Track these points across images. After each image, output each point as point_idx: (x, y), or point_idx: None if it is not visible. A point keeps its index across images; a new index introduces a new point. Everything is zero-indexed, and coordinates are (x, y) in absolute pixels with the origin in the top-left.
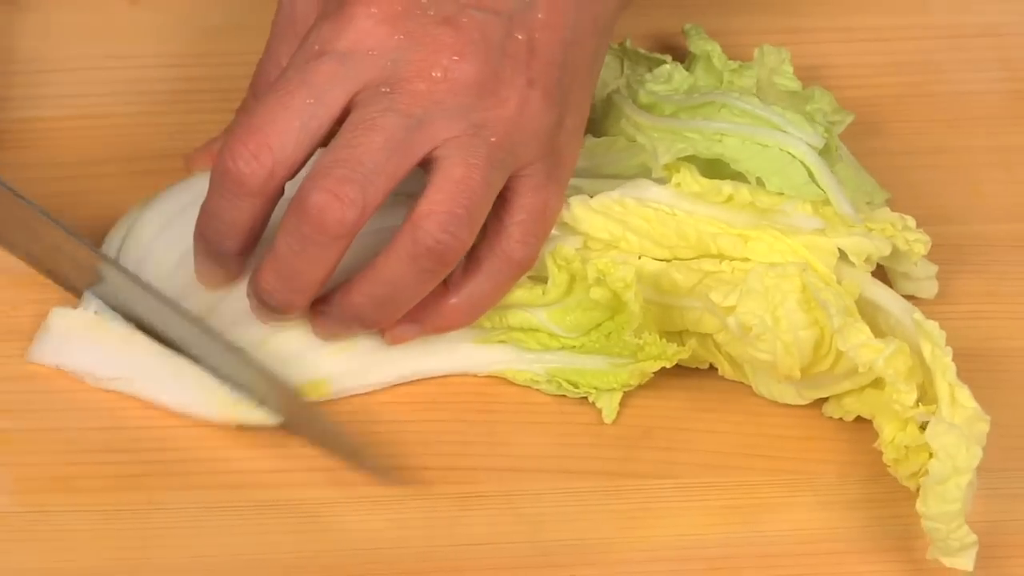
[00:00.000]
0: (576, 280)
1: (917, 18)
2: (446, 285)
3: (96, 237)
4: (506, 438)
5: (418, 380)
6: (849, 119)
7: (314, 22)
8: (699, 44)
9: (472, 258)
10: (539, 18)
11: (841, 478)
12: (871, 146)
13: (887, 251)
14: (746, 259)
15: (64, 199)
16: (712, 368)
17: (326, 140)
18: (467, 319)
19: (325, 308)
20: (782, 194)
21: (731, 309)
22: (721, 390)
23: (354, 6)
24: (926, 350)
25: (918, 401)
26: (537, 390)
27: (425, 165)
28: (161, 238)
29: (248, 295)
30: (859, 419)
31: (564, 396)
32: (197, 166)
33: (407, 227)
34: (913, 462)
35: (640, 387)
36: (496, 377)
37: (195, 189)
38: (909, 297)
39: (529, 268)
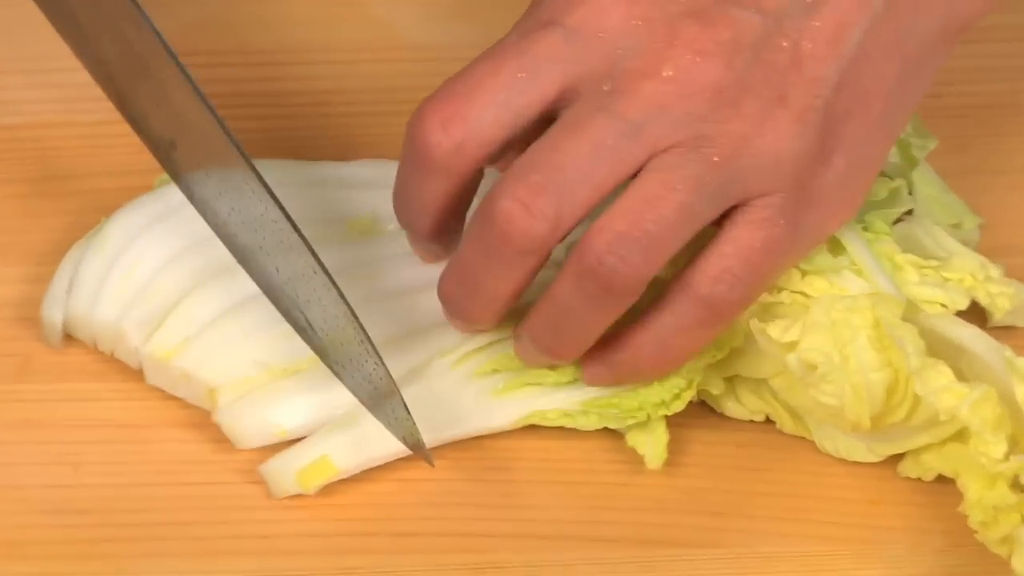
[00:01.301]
0: None
1: (1004, 17)
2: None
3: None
4: (527, 500)
5: None
6: (932, 145)
7: None
8: None
9: (663, 291)
10: (814, 26)
11: (914, 547)
12: (957, 164)
13: (964, 305)
14: (804, 294)
15: (28, 220)
16: (769, 421)
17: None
18: (655, 364)
19: (519, 331)
20: None
21: (792, 345)
22: (778, 446)
23: None
24: (1019, 392)
25: (1008, 454)
26: (572, 428)
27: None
28: (147, 235)
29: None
30: (937, 480)
31: (602, 432)
32: None
33: (580, 241)
34: (1004, 524)
35: (684, 442)
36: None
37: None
38: (1005, 328)
39: (726, 316)
